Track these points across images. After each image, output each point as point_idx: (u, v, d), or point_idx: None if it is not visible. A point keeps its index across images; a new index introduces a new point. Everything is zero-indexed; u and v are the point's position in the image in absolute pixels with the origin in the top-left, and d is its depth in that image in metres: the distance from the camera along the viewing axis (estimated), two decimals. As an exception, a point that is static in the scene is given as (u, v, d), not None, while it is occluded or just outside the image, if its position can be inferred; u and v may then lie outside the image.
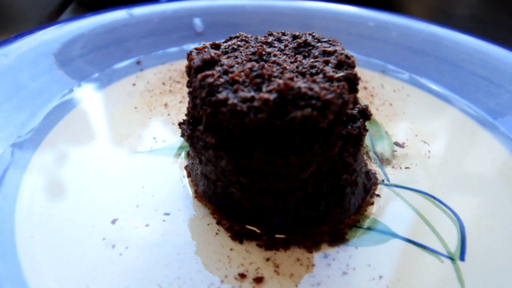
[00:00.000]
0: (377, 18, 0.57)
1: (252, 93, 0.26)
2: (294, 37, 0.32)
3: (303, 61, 0.29)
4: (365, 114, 0.31)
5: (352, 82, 0.28)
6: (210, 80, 0.27)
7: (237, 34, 0.33)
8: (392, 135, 0.42)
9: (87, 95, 0.43)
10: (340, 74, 0.27)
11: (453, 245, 0.31)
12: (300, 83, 0.26)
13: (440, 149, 0.41)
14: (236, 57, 0.30)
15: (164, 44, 0.52)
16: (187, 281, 0.28)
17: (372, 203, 0.34)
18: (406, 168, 0.38)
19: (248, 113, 0.25)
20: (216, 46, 0.31)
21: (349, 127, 0.30)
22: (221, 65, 0.28)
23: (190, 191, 0.34)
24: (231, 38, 0.33)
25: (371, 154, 0.39)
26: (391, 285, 0.28)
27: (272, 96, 0.25)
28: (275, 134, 0.26)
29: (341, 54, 0.30)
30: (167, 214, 0.32)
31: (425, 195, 0.35)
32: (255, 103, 0.25)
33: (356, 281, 0.29)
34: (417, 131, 0.43)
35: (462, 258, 0.31)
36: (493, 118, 0.44)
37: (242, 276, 0.28)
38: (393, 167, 0.38)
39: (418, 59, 0.53)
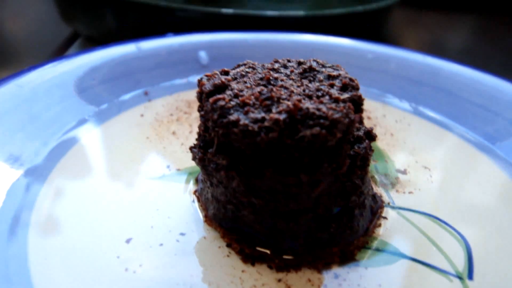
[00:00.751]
0: (375, 50, 0.60)
1: (263, 114, 0.27)
2: (299, 63, 0.34)
3: (309, 85, 0.31)
4: (370, 135, 0.32)
5: (357, 103, 0.30)
6: (221, 103, 0.28)
7: (244, 62, 0.35)
8: (394, 161, 0.43)
9: (98, 125, 0.44)
10: (346, 95, 0.29)
11: (460, 264, 0.32)
12: (308, 104, 0.27)
13: (442, 174, 0.42)
14: (245, 82, 0.31)
15: (171, 76, 0.54)
16: (200, 303, 0.28)
17: (380, 225, 0.35)
18: (409, 192, 0.39)
19: (259, 133, 0.26)
20: (225, 73, 0.33)
21: (356, 147, 0.31)
22: (231, 90, 0.30)
23: (200, 215, 0.35)
24: (239, 66, 0.34)
25: (376, 177, 0.40)
26: (402, 305, 0.29)
27: (282, 116, 0.26)
28: (285, 153, 0.27)
29: (345, 77, 0.31)
30: (182, 234, 0.33)
31: (430, 217, 0.36)
32: (266, 123, 0.26)
33: (368, 301, 0.29)
34: (418, 158, 0.44)
35: (470, 277, 0.31)
36: (491, 144, 0.46)
37: (255, 297, 0.29)
38: (397, 191, 0.39)
39: (417, 89, 0.55)
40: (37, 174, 0.36)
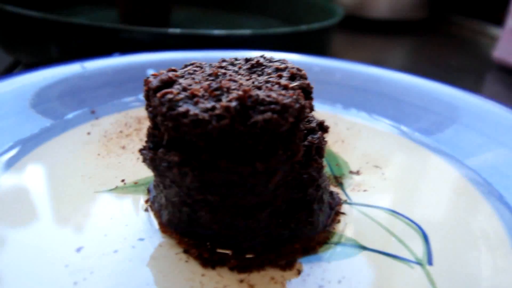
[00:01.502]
0: (321, 64, 0.62)
1: (213, 103, 0.27)
2: (247, 60, 0.34)
3: (258, 78, 0.31)
4: (323, 127, 0.33)
5: (306, 90, 0.30)
6: (170, 96, 0.28)
7: (192, 62, 0.34)
8: (348, 163, 0.44)
9: (42, 143, 0.42)
10: (295, 83, 0.29)
11: (419, 252, 0.32)
12: (258, 92, 0.27)
13: (393, 171, 0.43)
14: (193, 78, 0.31)
15: (119, 94, 0.53)
16: (158, 311, 0.26)
17: (339, 221, 0.35)
18: (364, 190, 0.40)
19: (211, 121, 0.26)
20: (172, 71, 0.32)
21: (310, 138, 0.31)
22: (179, 84, 0.29)
23: (155, 223, 0.33)
24: (186, 66, 0.34)
25: (332, 177, 0.41)
26: (367, 293, 0.28)
27: (233, 104, 0.26)
28: (239, 141, 0.26)
29: (292, 68, 0.32)
30: (140, 239, 0.31)
31: (387, 211, 0.37)
32: (217, 111, 0.26)
33: (333, 293, 0.28)
34: (369, 159, 0.45)
35: (430, 262, 0.31)
36: (431, 137, 0.48)
37: (217, 299, 0.27)
38: (352, 189, 0.40)
39: (363, 97, 0.57)
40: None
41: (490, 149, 0.45)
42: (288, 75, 0.31)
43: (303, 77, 0.31)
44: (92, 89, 0.52)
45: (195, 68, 0.33)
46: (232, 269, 0.29)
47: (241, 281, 0.29)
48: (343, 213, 0.36)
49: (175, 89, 0.29)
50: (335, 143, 0.49)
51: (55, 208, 0.34)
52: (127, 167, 0.41)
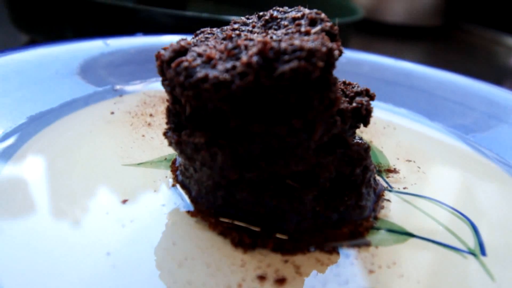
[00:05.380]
0: (347, 56, 0.60)
1: (232, 63, 0.24)
2: (259, 16, 0.31)
3: (276, 32, 0.28)
4: (369, 93, 0.31)
5: (331, 33, 0.27)
6: (185, 64, 0.25)
7: (202, 30, 0.32)
8: (382, 151, 0.42)
9: (66, 115, 0.40)
10: (316, 28, 0.27)
11: (470, 242, 0.30)
12: (279, 43, 0.24)
13: (427, 164, 0.41)
14: (207, 44, 0.28)
15: (143, 73, 0.51)
16: (199, 286, 0.24)
17: (383, 207, 0.33)
18: (404, 177, 0.38)
19: (233, 81, 0.23)
20: (184, 40, 0.30)
21: (358, 99, 0.29)
22: (193, 51, 0.27)
23: (186, 198, 0.31)
24: (197, 35, 0.31)
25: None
26: (422, 280, 0.26)
27: (254, 59, 0.23)
28: (268, 98, 0.24)
29: (310, 13, 0.29)
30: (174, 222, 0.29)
31: (430, 200, 0.35)
32: (238, 69, 0.24)
33: (386, 278, 0.26)
34: (400, 153, 0.43)
35: (483, 253, 0.29)
36: (467, 135, 0.46)
37: (262, 278, 0.25)
38: (388, 178, 0.38)
39: (392, 90, 0.55)
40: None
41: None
42: (307, 21, 0.28)
43: (324, 20, 0.28)
44: (115, 66, 0.50)
45: (206, 35, 0.30)
46: (275, 250, 0.27)
47: (286, 261, 0.26)
48: (388, 200, 0.34)
49: (190, 56, 0.26)
50: (365, 135, 0.46)
51: (85, 177, 0.32)
52: (154, 142, 0.38)
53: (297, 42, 0.24)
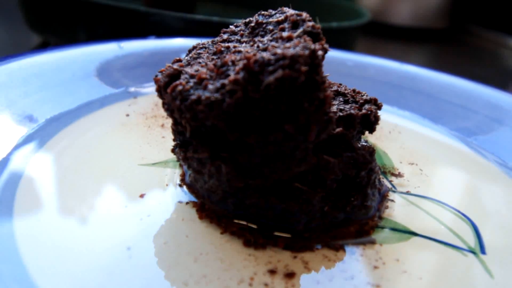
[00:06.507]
0: (354, 59, 0.61)
1: (222, 81, 0.26)
2: (246, 24, 0.32)
3: (262, 39, 0.29)
4: (377, 103, 0.32)
5: (312, 33, 0.28)
6: (179, 88, 0.27)
7: (194, 45, 0.33)
8: (387, 153, 0.43)
9: (84, 115, 0.42)
10: (298, 31, 0.27)
11: (471, 241, 0.32)
12: (263, 54, 0.25)
13: (430, 166, 0.42)
14: (199, 63, 0.30)
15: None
16: (214, 279, 0.25)
17: (387, 207, 0.34)
18: (408, 180, 0.39)
19: (224, 99, 0.25)
20: (177, 61, 0.31)
21: (367, 107, 0.30)
22: (186, 73, 0.28)
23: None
24: (190, 51, 0.33)
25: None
26: (424, 277, 0.28)
27: (240, 75, 0.25)
28: (259, 110, 0.25)
29: (292, 15, 0.29)
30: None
31: (433, 200, 0.36)
32: (227, 87, 0.25)
33: (389, 274, 0.27)
34: (404, 156, 0.44)
35: (483, 251, 0.31)
36: (469, 137, 0.48)
37: (272, 272, 0.26)
38: (392, 180, 0.39)
39: (397, 93, 0.56)
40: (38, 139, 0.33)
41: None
42: (290, 25, 0.29)
43: (306, 20, 0.28)
44: (129, 68, 0.51)
45: (199, 51, 0.32)
46: (285, 248, 0.29)
47: (295, 257, 0.28)
48: (392, 200, 0.35)
49: (183, 79, 0.28)
50: (370, 137, 0.48)
51: (104, 175, 0.34)
52: (168, 143, 0.40)
53: (279, 50, 0.25)
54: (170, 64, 0.30)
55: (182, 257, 0.27)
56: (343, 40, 0.80)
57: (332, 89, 0.34)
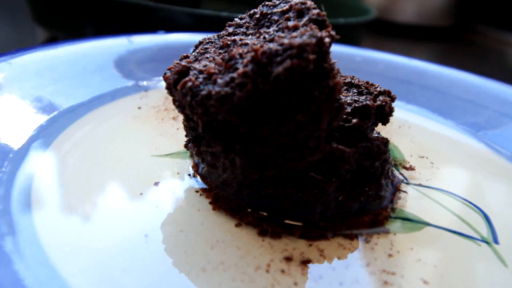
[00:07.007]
0: (362, 54, 0.61)
1: (231, 75, 0.26)
2: (251, 16, 0.32)
3: (268, 30, 0.29)
4: (390, 95, 0.32)
5: (318, 21, 0.27)
6: (189, 84, 0.27)
7: (201, 40, 0.33)
8: (397, 146, 0.44)
9: (95, 108, 0.42)
10: (303, 20, 0.27)
11: (483, 231, 0.32)
12: (270, 45, 0.25)
13: (441, 160, 0.42)
14: (207, 58, 0.30)
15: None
16: (231, 266, 0.26)
17: (400, 198, 0.34)
18: (419, 173, 0.39)
19: (234, 93, 0.25)
20: (185, 57, 0.31)
21: (382, 98, 0.31)
22: (194, 69, 0.28)
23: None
24: (196, 47, 0.33)
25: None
26: (439, 265, 0.28)
27: (248, 67, 0.25)
28: (270, 101, 0.25)
29: (296, 4, 0.29)
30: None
31: (445, 192, 0.36)
32: (236, 81, 0.25)
33: (404, 262, 0.28)
34: (414, 150, 0.44)
35: (496, 241, 0.31)
36: (479, 132, 0.48)
37: (288, 259, 0.27)
38: (403, 172, 0.39)
39: (405, 88, 0.56)
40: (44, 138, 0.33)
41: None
42: (295, 14, 0.29)
43: (310, 8, 0.28)
44: (139, 63, 0.52)
45: (206, 46, 0.32)
46: (301, 237, 0.29)
47: (310, 245, 0.28)
48: (404, 191, 0.35)
49: (192, 75, 0.28)
50: (380, 131, 0.48)
51: (119, 165, 0.34)
52: (179, 135, 0.40)
53: (286, 40, 0.25)
54: (178, 61, 0.31)
55: (199, 244, 0.27)
56: (350, 36, 0.81)
57: (346, 81, 0.35)
